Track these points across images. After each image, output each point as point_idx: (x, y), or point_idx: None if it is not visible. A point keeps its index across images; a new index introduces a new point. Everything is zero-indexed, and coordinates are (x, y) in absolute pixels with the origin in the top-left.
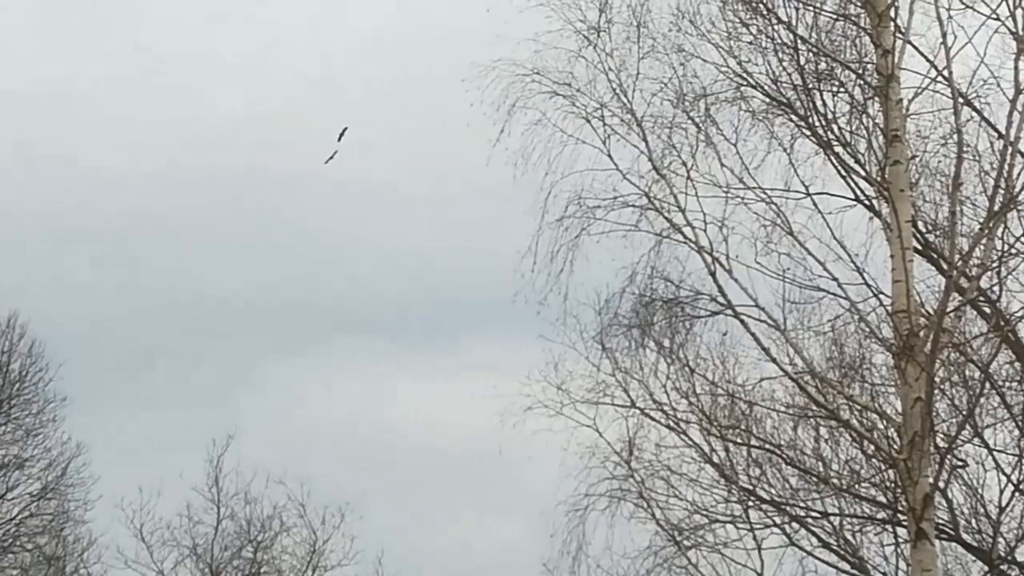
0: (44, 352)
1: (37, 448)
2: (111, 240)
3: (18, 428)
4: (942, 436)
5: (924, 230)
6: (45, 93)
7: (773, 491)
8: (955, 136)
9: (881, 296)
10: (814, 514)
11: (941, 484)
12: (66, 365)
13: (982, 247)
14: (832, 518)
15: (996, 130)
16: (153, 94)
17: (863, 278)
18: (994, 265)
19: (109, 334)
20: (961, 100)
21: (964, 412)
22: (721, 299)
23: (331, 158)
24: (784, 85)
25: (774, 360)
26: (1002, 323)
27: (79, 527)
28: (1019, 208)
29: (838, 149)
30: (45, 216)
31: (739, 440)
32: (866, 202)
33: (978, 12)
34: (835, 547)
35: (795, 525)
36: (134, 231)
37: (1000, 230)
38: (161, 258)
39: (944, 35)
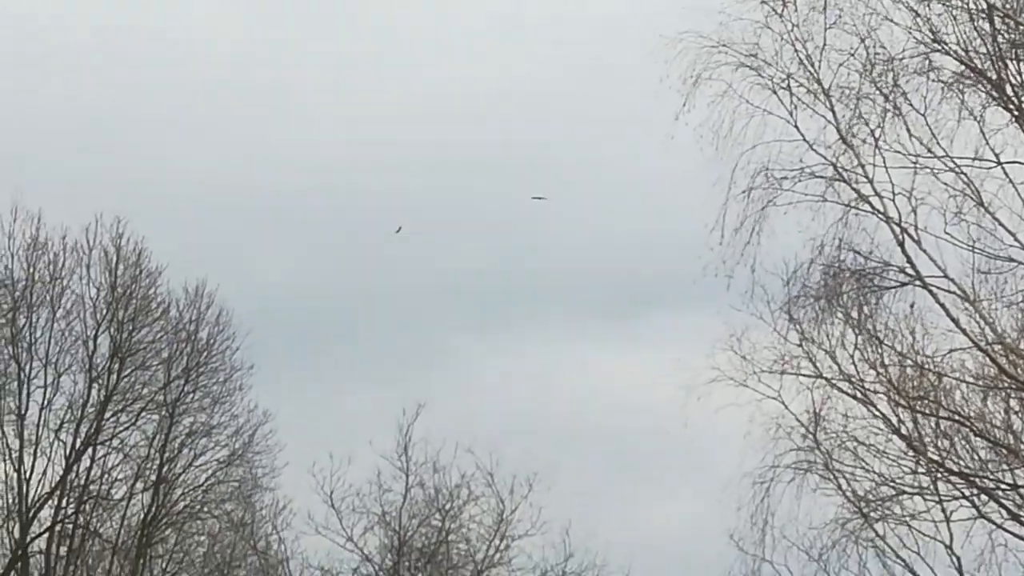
0: (231, 321)
1: (224, 415)
2: (303, 213)
3: (205, 396)
4: None
5: None
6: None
7: (962, 463)
8: None
9: None
10: (1004, 486)
11: None
12: (253, 333)
13: None
14: (1022, 490)
15: None
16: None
17: None
18: None
19: (297, 304)
20: None
21: None
22: (910, 270)
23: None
24: (976, 53)
25: (964, 331)
26: None
27: (266, 494)
28: None
29: None
30: (236, 189)
31: (928, 411)
32: None
33: None
34: None
35: (984, 497)
36: (325, 204)
37: None
38: (353, 231)
39: None
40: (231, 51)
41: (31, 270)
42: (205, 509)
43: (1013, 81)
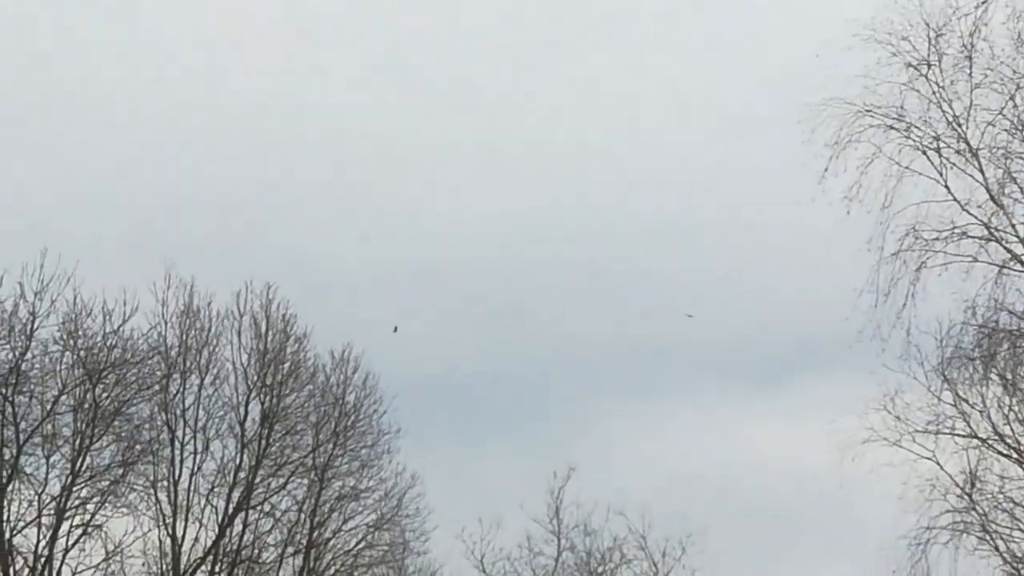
0: (378, 384)
1: (373, 479)
2: (449, 278)
3: (354, 459)
4: None
5: None
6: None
7: None
8: None
9: None
10: None
11: None
12: (399, 397)
13: None
14: None
15: None
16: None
17: None
18: None
19: (444, 369)
20: None
21: None
22: None
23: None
24: None
25: None
26: None
27: (417, 558)
28: None
29: None
30: (383, 257)
31: None
32: None
33: None
34: None
35: None
36: (472, 272)
37: None
38: (500, 297)
39: None
40: (381, 125)
41: (184, 337)
42: (355, 574)
43: None
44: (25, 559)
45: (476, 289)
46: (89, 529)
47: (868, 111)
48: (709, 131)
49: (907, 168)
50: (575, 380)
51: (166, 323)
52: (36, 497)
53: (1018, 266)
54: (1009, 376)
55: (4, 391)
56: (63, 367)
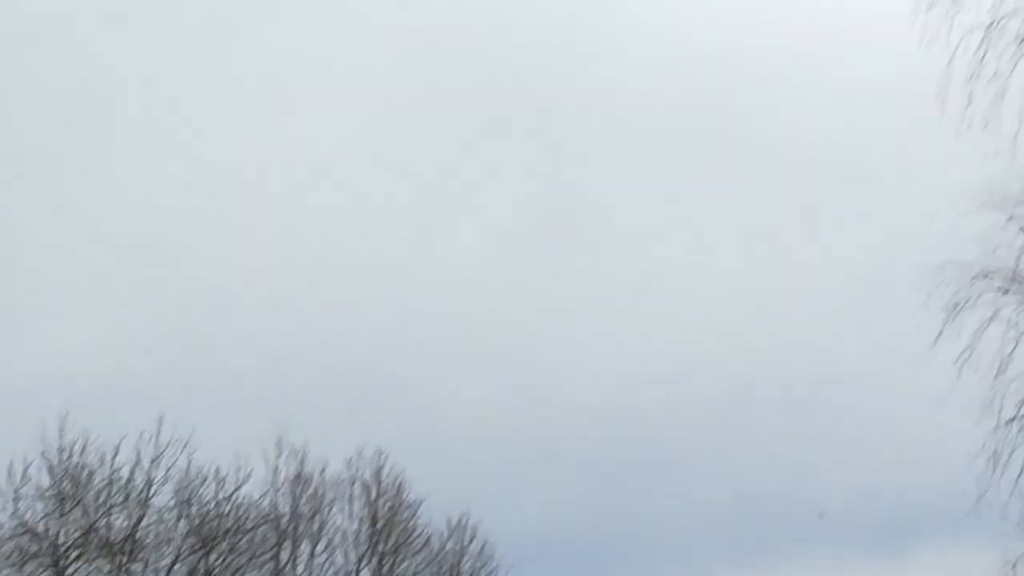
0: (495, 553)
1: None
2: (565, 447)
3: None
4: None
5: None
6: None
7: None
8: None
9: None
10: None
11: None
12: (517, 567)
13: None
14: None
15: None
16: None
17: None
18: None
19: (560, 537)
20: None
21: None
22: None
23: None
24: None
25: None
26: None
27: None
28: None
29: None
30: (497, 422)
31: None
32: None
33: None
34: None
35: None
36: (586, 439)
37: None
38: (620, 467)
39: None
40: (495, 284)
41: (295, 504)
42: None
43: None
44: None
45: (590, 452)
46: None
47: (985, 275)
48: (824, 292)
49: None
50: (692, 546)
51: (277, 491)
52: None
53: None
54: None
55: (120, 559)
56: (177, 535)
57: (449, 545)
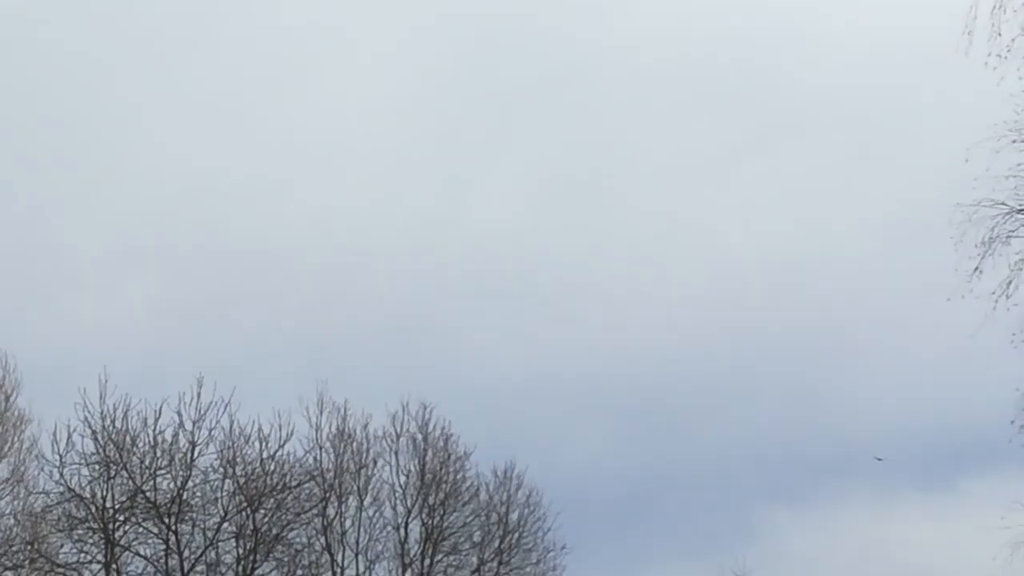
0: (542, 501)
1: None
2: (607, 395)
3: None
4: None
5: None
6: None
7: None
8: None
9: None
10: None
11: None
12: (563, 513)
13: None
14: None
15: None
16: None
17: None
18: None
19: (606, 483)
20: None
21: None
22: None
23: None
24: None
25: None
26: None
27: None
28: None
29: None
30: (541, 374)
31: None
32: None
33: None
34: None
35: None
36: (629, 386)
37: None
38: (661, 413)
39: None
40: (526, 239)
41: (339, 460)
42: None
43: None
44: None
45: (634, 399)
46: None
47: (1020, 211)
48: (861, 237)
49: None
50: (736, 487)
51: (320, 448)
52: None
53: None
54: None
55: (168, 521)
56: (223, 494)
57: (496, 496)
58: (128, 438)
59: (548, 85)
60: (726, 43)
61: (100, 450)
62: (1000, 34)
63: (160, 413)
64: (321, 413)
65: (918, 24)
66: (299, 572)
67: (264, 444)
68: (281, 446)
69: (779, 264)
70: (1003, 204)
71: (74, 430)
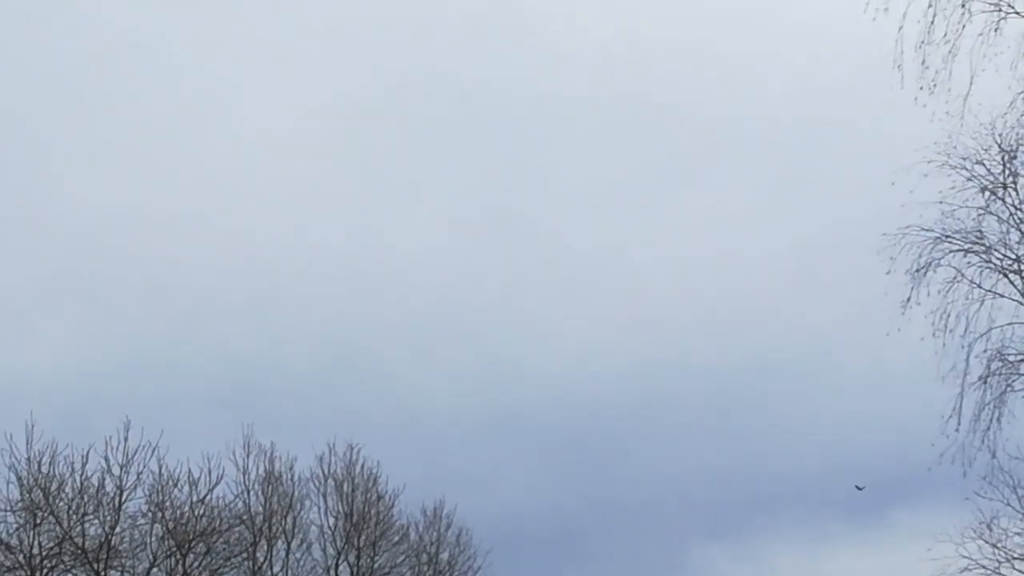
0: (472, 540)
1: None
2: (535, 429)
3: None
4: None
5: None
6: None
7: None
8: None
9: None
10: None
11: None
12: (494, 552)
13: None
14: None
15: None
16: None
17: None
18: None
19: (536, 520)
20: None
21: None
22: None
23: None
24: None
25: None
26: None
27: None
28: None
29: None
30: (466, 409)
31: None
32: None
33: None
34: None
35: None
36: (555, 420)
37: None
38: (585, 445)
39: None
40: (447, 273)
41: (267, 503)
42: None
43: None
44: None
45: (561, 434)
46: None
47: (947, 237)
48: (792, 265)
49: (989, 291)
50: (670, 522)
51: (249, 490)
52: None
53: None
54: None
55: (96, 567)
56: (152, 539)
57: (426, 535)
58: (55, 484)
59: (466, 114)
60: (647, 71)
61: (26, 495)
62: (927, 66)
63: (87, 458)
64: (248, 456)
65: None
66: None
67: (193, 488)
68: (211, 490)
69: (702, 296)
70: (930, 230)
71: None
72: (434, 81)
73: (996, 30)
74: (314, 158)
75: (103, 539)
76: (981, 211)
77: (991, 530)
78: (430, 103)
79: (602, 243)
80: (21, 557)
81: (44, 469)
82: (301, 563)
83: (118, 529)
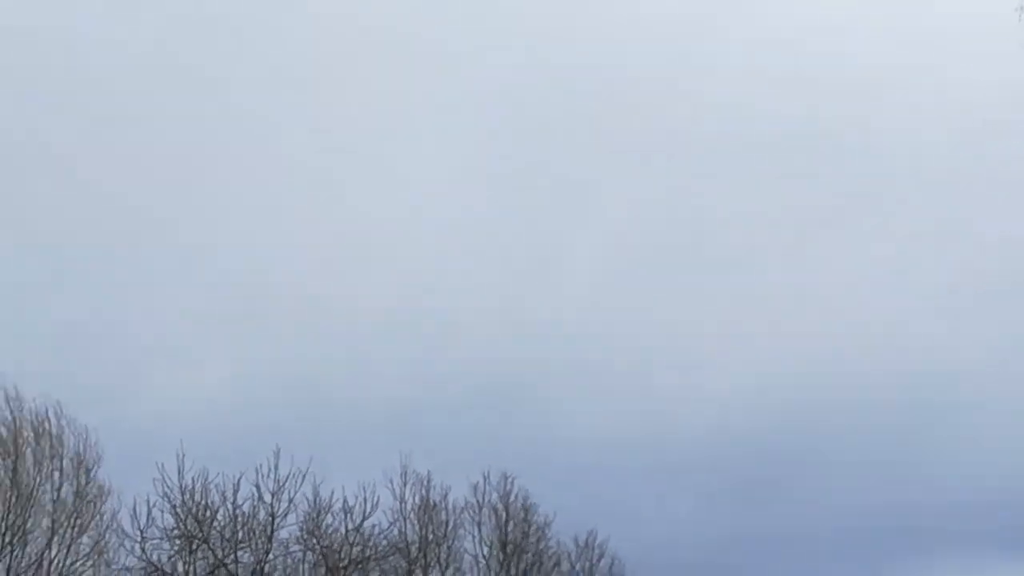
0: (624, 571)
1: None
2: (689, 462)
3: None
4: None
5: None
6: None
7: None
8: None
9: None
10: None
11: None
12: None
13: None
14: None
15: None
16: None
17: None
18: None
19: (686, 551)
20: None
21: None
22: None
23: None
24: None
25: None
26: None
27: None
28: None
29: None
30: (619, 441)
31: None
32: None
33: None
34: None
35: None
36: (711, 453)
37: None
38: (742, 483)
39: None
40: (607, 309)
41: (423, 532)
42: None
43: None
44: None
45: (715, 466)
46: None
47: None
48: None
49: None
50: (821, 555)
51: (405, 519)
52: None
53: None
54: None
55: None
56: (305, 566)
57: (578, 564)
58: (208, 512)
59: (630, 149)
60: (816, 102)
61: (180, 524)
62: None
63: (239, 486)
64: (405, 485)
65: None
66: None
67: (348, 516)
68: (366, 518)
69: (859, 331)
70: None
71: (154, 505)
72: (600, 111)
73: None
74: (483, 197)
75: (255, 566)
76: None
77: None
78: (596, 133)
79: (759, 287)
80: None
81: (196, 497)
82: None
83: (270, 556)
